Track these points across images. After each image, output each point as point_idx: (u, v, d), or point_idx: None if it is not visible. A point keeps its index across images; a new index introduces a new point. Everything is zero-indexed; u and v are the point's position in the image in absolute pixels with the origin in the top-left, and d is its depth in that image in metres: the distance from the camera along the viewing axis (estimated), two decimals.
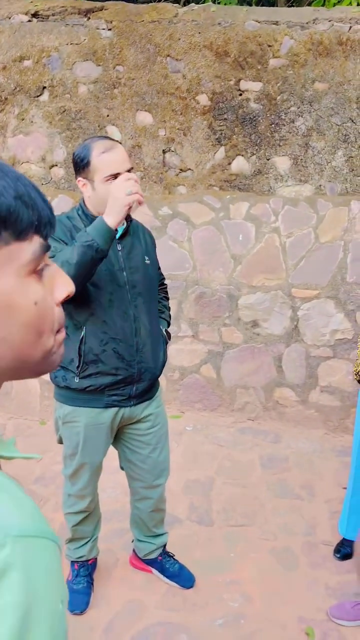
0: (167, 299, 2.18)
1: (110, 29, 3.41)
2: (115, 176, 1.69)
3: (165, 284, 2.20)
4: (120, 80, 3.44)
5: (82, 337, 1.78)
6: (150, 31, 3.36)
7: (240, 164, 3.43)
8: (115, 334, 1.80)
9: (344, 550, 2.47)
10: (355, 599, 2.20)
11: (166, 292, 2.18)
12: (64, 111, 3.54)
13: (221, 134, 3.40)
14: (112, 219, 1.61)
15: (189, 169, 3.49)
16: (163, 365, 1.99)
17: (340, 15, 3.24)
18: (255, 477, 2.96)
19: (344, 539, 2.50)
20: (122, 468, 2.13)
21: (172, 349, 3.40)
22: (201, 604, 2.20)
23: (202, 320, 3.42)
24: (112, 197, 1.60)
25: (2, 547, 0.44)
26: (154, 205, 3.48)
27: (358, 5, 3.42)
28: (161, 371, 1.98)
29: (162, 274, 2.13)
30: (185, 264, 3.42)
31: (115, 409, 1.89)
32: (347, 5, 3.42)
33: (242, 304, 3.37)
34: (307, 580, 2.33)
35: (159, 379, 2.02)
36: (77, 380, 1.82)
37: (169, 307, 2.18)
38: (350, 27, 3.19)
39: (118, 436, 2.02)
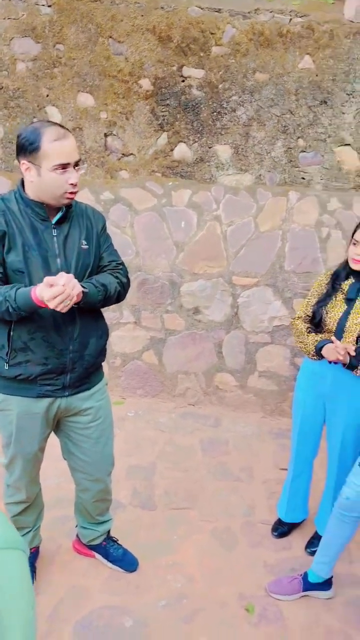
0: (119, 277, 1.91)
1: (50, 5, 3.29)
2: (64, 166, 1.65)
3: (120, 267, 1.96)
4: (60, 59, 3.35)
5: (11, 324, 1.73)
6: (91, 10, 3.28)
7: (182, 151, 3.44)
8: (45, 322, 1.74)
9: (281, 529, 2.58)
10: (291, 575, 2.31)
11: (121, 273, 1.93)
12: (1, 88, 3.41)
13: (164, 119, 3.39)
14: (40, 303, 1.61)
15: (131, 153, 3.46)
16: (99, 355, 1.91)
17: (281, 7, 3.29)
18: (196, 461, 3.03)
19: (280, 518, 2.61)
20: (64, 458, 2.11)
21: (114, 335, 3.39)
22: (145, 587, 2.24)
23: (145, 306, 3.43)
24: (46, 297, 1.58)
25: None
26: (95, 189, 3.44)
27: None
28: (96, 360, 1.91)
29: (114, 256, 1.96)
30: (128, 249, 3.40)
31: (50, 399, 1.85)
32: None
33: (184, 291, 3.40)
34: (246, 559, 2.42)
35: (103, 371, 1.99)
36: (6, 367, 1.77)
37: (123, 283, 1.93)
38: (291, 19, 3.25)
39: (59, 427, 2.00)
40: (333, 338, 2.11)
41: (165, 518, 2.61)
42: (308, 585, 2.25)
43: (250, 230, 3.39)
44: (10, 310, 1.63)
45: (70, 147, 1.68)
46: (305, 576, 2.26)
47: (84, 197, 3.33)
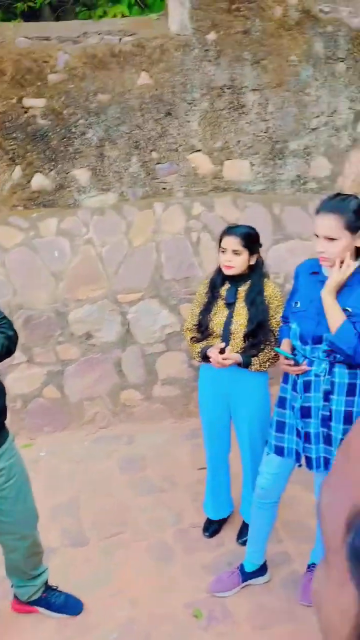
0: (4, 332, 1.88)
1: None
2: None
3: (4, 321, 1.92)
4: None
5: None
6: None
7: (40, 181, 3.41)
8: None
9: (211, 528, 2.69)
10: (229, 569, 2.43)
11: (5, 327, 1.90)
12: None
13: (14, 153, 3.33)
14: None
15: None
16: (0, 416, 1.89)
17: (108, 27, 3.36)
18: (117, 483, 3.05)
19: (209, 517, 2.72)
20: None
21: (9, 378, 3.29)
22: (94, 624, 2.24)
23: (35, 343, 3.37)
24: None
25: None
26: None
27: (123, 16, 3.57)
28: None
29: None
30: (3, 289, 3.32)
31: None
32: (113, 17, 3.55)
33: (72, 318, 3.39)
34: (184, 567, 2.50)
35: (7, 429, 1.96)
36: None
37: (10, 336, 1.89)
38: (120, 39, 3.33)
39: None
40: (209, 351, 2.27)
41: (99, 549, 2.62)
42: (246, 576, 2.38)
43: (124, 247, 3.46)
44: None
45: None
46: (241, 567, 2.39)
47: None
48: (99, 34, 3.31)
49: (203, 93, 3.42)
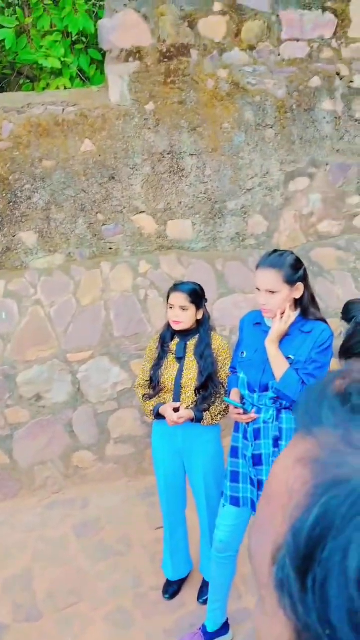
0: None
1: None
2: None
3: None
4: None
5: None
6: None
7: None
8: None
9: (171, 589, 2.62)
10: (191, 631, 2.36)
11: None
12: None
13: None
14: None
15: None
16: None
17: (52, 99, 3.52)
18: (72, 550, 2.94)
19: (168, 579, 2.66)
20: None
21: None
22: None
23: None
24: None
25: None
26: None
27: (66, 89, 3.75)
28: None
29: None
30: None
31: None
32: (56, 89, 3.72)
33: (21, 380, 3.34)
34: (145, 633, 2.41)
35: None
36: None
37: None
38: (63, 109, 3.49)
39: None
40: (162, 409, 2.31)
41: (55, 622, 2.49)
42: (209, 636, 2.31)
43: (73, 307, 3.48)
44: None
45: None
46: (204, 628, 2.33)
47: None
48: (43, 105, 3.45)
49: (144, 158, 3.59)
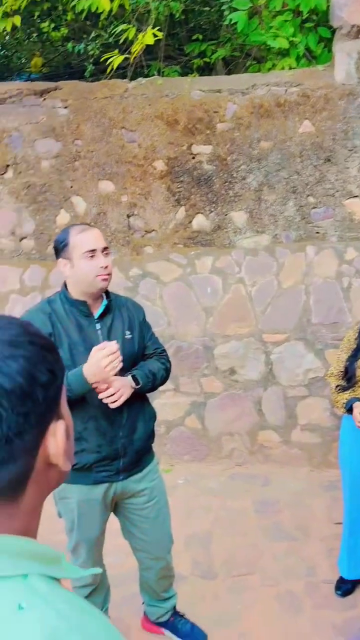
0: (164, 363, 2.08)
1: (66, 107, 3.60)
2: (91, 252, 1.82)
3: (164, 354, 2.11)
4: (79, 153, 3.62)
5: None
6: (103, 106, 3.57)
7: (200, 222, 3.63)
8: (96, 412, 1.85)
9: (344, 587, 2.55)
10: None
11: (165, 359, 2.08)
12: (28, 186, 3.68)
13: (180, 195, 3.60)
14: (92, 378, 1.74)
15: (153, 230, 3.66)
16: (148, 438, 2.02)
17: (275, 79, 3.53)
18: (250, 524, 3.04)
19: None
20: (125, 538, 2.17)
21: (155, 403, 3.45)
22: None
23: (182, 373, 3.53)
24: (96, 365, 1.72)
25: None
26: (123, 267, 3.63)
27: (291, 69, 3.72)
28: (146, 443, 2.01)
29: (158, 344, 2.11)
30: (160, 320, 3.54)
31: (106, 484, 1.93)
32: (281, 70, 3.71)
33: (218, 353, 3.50)
34: (313, 622, 2.40)
35: (153, 452, 2.08)
36: None
37: (167, 368, 2.09)
38: (286, 90, 3.47)
39: (117, 508, 2.07)
40: (356, 404, 2.20)
41: (227, 587, 2.62)
42: None
43: (274, 288, 3.51)
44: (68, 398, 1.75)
45: (95, 236, 1.87)
46: None
47: (113, 275, 3.51)
48: (267, 85, 3.48)
49: None
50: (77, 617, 0.57)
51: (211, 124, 3.51)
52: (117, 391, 1.79)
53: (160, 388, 3.54)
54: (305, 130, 3.47)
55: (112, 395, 1.78)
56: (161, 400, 3.53)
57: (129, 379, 1.87)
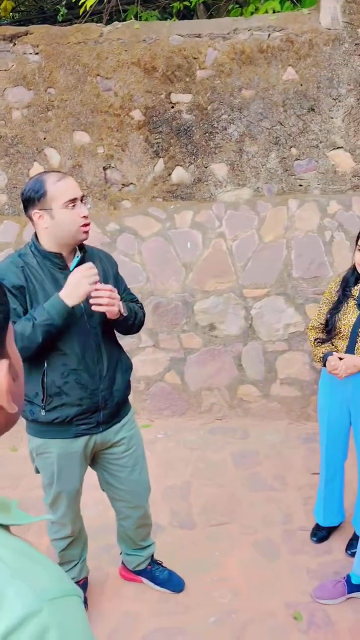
0: (142, 308, 2.10)
1: (37, 53, 3.43)
2: (72, 201, 1.76)
3: (140, 304, 2.11)
4: (53, 102, 3.47)
5: (44, 371, 1.82)
6: (77, 52, 3.40)
7: (180, 174, 3.53)
8: (76, 365, 1.83)
9: (319, 534, 2.62)
10: (335, 578, 2.36)
11: (140, 305, 2.10)
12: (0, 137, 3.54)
13: (158, 146, 3.49)
14: (71, 301, 1.71)
15: (131, 183, 3.56)
16: (126, 389, 2.02)
17: (258, 23, 3.38)
18: (229, 475, 3.09)
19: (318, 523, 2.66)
20: (103, 489, 2.19)
21: (135, 360, 3.46)
22: (193, 606, 2.30)
23: (161, 329, 3.51)
24: (74, 283, 1.71)
25: (39, 612, 0.51)
26: (100, 221, 3.54)
27: (274, 12, 3.56)
28: (125, 394, 2.02)
29: (132, 294, 2.11)
30: (138, 276, 3.50)
31: (86, 437, 1.93)
32: (264, 13, 3.56)
33: (198, 309, 3.48)
34: (289, 568, 2.47)
35: (129, 403, 2.08)
36: (43, 413, 1.85)
37: (144, 314, 2.10)
38: (269, 34, 3.34)
39: (95, 460, 2.08)
40: (330, 357, 2.21)
41: (206, 535, 2.67)
42: (352, 587, 2.28)
43: (255, 243, 3.47)
44: (53, 331, 1.73)
45: (73, 184, 1.81)
46: (348, 578, 2.30)
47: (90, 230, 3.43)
48: (249, 30, 3.34)
49: (350, 88, 3.31)
50: (22, 564, 0.55)
51: (190, 70, 3.38)
52: (110, 291, 1.77)
53: (140, 344, 3.54)
54: (288, 77, 3.36)
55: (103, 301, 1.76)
56: (141, 357, 3.52)
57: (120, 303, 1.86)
